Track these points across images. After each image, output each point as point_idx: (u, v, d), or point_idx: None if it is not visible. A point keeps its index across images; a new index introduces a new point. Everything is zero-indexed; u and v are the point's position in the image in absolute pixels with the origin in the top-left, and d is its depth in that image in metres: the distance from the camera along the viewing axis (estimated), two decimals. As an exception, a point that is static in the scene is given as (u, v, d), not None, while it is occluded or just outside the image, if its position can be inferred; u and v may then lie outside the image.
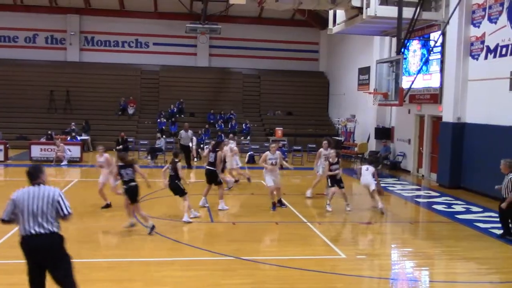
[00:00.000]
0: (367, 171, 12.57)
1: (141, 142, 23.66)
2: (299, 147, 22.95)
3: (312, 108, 30.48)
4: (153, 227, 9.92)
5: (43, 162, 19.63)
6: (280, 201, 12.79)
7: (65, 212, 5.60)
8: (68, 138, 22.80)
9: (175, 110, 28.08)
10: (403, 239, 10.68)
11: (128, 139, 23.04)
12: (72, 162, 20.42)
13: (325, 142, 14.30)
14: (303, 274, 7.92)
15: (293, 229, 10.94)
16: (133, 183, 10.15)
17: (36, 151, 20.61)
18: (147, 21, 30.10)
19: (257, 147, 23.21)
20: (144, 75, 30.02)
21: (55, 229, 5.58)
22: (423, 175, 19.06)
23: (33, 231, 5.44)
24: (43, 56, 29.56)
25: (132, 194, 10.13)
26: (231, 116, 28.14)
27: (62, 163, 19.98)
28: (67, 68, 29.24)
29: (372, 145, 22.79)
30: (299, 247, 9.46)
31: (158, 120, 27.25)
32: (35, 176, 5.64)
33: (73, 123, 24.93)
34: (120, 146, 21.30)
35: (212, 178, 12.36)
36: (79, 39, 30.04)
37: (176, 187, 10.97)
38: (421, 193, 16.16)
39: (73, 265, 5.79)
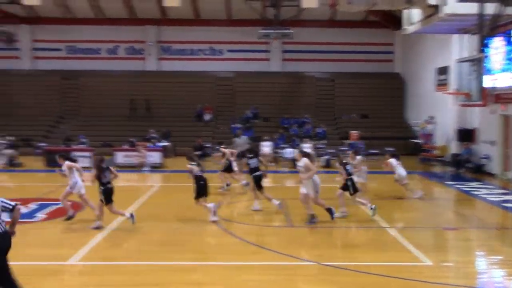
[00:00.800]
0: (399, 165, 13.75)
1: (217, 147, 24.09)
2: (377, 151, 22.54)
3: (388, 110, 29.81)
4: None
5: (127, 167, 20.58)
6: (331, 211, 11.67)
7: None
8: (149, 145, 23.68)
9: (250, 116, 28.46)
10: (490, 246, 10.19)
11: (205, 145, 23.61)
12: (153, 168, 21.19)
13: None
14: (388, 282, 7.75)
15: (373, 234, 10.76)
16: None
17: (120, 157, 21.61)
18: (221, 28, 30.76)
19: (333, 151, 23.02)
20: (219, 82, 30.69)
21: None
22: (510, 179, 18.11)
23: None
24: (123, 66, 30.96)
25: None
26: (305, 120, 28.10)
27: (144, 169, 20.81)
28: (146, 77, 30.46)
29: (454, 148, 21.94)
30: (381, 253, 9.28)
31: (233, 125, 27.72)
32: None
33: (152, 130, 25.90)
34: (199, 152, 21.85)
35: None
36: (157, 49, 31.22)
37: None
38: (510, 197, 15.34)
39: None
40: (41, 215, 12.06)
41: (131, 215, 10.86)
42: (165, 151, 23.49)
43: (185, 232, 10.74)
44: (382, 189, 15.54)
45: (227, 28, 30.73)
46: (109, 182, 10.81)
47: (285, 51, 31.10)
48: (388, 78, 30.85)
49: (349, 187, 11.72)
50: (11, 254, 8.96)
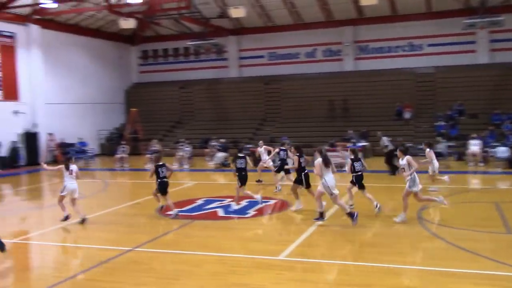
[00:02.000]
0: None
1: (418, 147, 23.11)
2: None
3: None
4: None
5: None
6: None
7: None
8: (348, 145, 23.73)
9: (454, 113, 26.66)
10: None
11: (408, 144, 22.77)
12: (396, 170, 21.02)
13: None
14: None
15: None
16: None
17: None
18: (419, 22, 29.44)
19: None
20: (419, 78, 29.38)
21: None
22: None
23: None
24: (321, 68, 31.64)
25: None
26: (519, 115, 25.26)
27: (344, 169, 20.90)
28: (344, 78, 30.64)
29: None
30: None
31: (436, 123, 26.26)
32: None
33: (350, 131, 25.95)
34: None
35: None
36: (354, 49, 31.20)
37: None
38: None
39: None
40: (252, 211, 12.92)
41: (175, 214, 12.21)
42: (364, 151, 23.30)
43: (390, 234, 10.48)
44: None
45: (426, 22, 29.29)
46: (164, 177, 12.44)
47: (494, 41, 28.39)
48: None
49: None
50: (232, 247, 9.77)
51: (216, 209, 13.33)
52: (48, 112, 27.78)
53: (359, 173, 12.11)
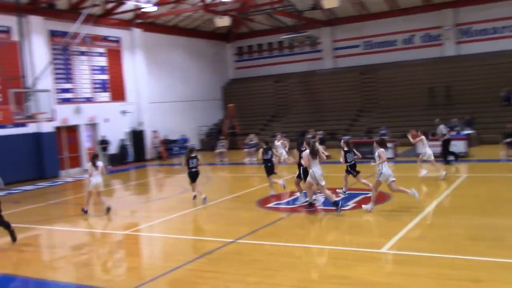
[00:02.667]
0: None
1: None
2: None
3: None
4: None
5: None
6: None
7: None
8: (453, 134, 22.63)
9: None
10: None
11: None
12: (459, 158, 20.17)
13: None
14: None
15: None
16: None
17: (420, 147, 21.16)
18: (529, -1, 27.34)
19: None
20: (529, 60, 27.29)
21: None
22: None
23: None
24: (420, 54, 30.41)
25: None
26: None
27: (448, 159, 19.98)
28: (444, 63, 29.25)
29: None
30: None
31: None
32: None
33: (454, 119, 24.69)
34: (510, 139, 19.86)
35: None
36: (455, 32, 29.62)
37: None
38: None
39: None
40: (351, 203, 12.76)
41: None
42: (469, 140, 22.10)
43: (499, 227, 9.88)
44: None
45: (537, -2, 27.12)
46: (194, 167, 14.15)
47: None
48: None
49: None
50: (332, 239, 9.73)
51: (315, 201, 13.30)
52: (152, 111, 29.27)
53: (352, 162, 13.28)
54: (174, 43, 31.87)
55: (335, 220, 11.41)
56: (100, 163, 13.59)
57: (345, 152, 13.27)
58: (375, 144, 12.06)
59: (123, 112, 27.81)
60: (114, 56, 27.67)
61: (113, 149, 26.99)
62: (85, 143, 26.00)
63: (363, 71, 31.88)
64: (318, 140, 18.34)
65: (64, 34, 23.39)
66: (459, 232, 9.66)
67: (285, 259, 8.62)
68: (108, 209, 13.51)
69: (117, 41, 27.84)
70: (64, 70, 24.80)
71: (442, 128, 20.04)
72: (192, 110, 32.80)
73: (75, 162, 25.39)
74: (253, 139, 25.61)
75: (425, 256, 8.23)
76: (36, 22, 22.86)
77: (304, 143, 12.75)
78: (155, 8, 26.51)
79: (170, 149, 29.84)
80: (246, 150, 25.60)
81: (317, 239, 9.78)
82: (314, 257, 8.61)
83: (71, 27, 21.17)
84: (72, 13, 23.63)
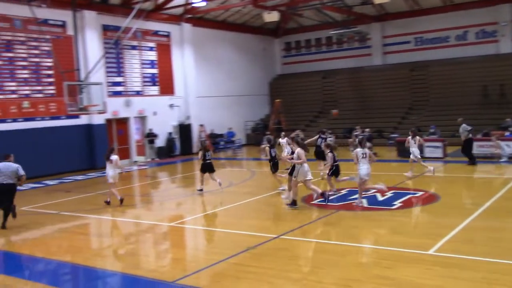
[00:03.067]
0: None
1: None
2: None
3: None
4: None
5: (482, 158, 19.53)
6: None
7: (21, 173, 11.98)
8: (506, 134, 21.86)
9: None
10: None
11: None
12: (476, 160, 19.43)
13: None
14: None
15: None
16: None
17: (474, 147, 20.53)
18: None
19: None
20: None
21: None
22: None
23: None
24: (474, 51, 29.43)
25: None
26: None
27: (501, 160, 19.33)
28: (500, 61, 28.17)
29: None
30: None
31: None
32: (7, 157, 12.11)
33: (508, 119, 23.80)
34: None
35: None
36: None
37: None
38: None
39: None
40: (397, 203, 12.52)
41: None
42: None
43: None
44: None
45: None
46: (209, 159, 15.54)
47: None
48: None
49: None
50: (377, 238, 9.58)
51: (361, 200, 13.13)
52: (199, 105, 29.62)
53: (337, 163, 13.83)
54: (222, 38, 32.08)
55: (381, 219, 11.22)
56: (114, 157, 14.03)
57: (331, 153, 13.82)
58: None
59: (171, 106, 28.26)
60: (164, 50, 28.13)
61: (160, 142, 27.48)
62: (134, 135, 26.60)
63: (413, 68, 31.15)
64: (363, 137, 18.24)
65: (116, 28, 23.99)
66: (511, 236, 9.31)
67: (329, 256, 8.55)
68: (121, 200, 14.16)
69: (167, 36, 28.29)
70: (115, 64, 25.43)
71: (464, 128, 19.41)
72: (238, 105, 32.98)
73: (125, 153, 26.02)
74: (299, 134, 25.48)
75: (475, 259, 7.97)
76: (90, 16, 23.54)
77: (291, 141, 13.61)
78: (204, 3, 26.76)
79: (217, 143, 30.13)
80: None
81: (362, 237, 9.64)
82: (358, 256, 8.50)
83: (123, 22, 21.65)
84: (124, 8, 24.18)
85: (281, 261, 8.41)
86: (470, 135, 19.23)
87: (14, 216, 12.15)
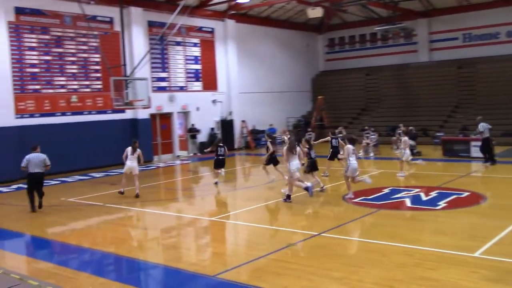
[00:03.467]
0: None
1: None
2: None
3: None
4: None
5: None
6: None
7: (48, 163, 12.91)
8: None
9: None
10: None
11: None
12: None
13: None
14: None
15: None
16: None
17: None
18: None
19: None
20: None
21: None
22: None
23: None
24: (526, 48, 28.42)
25: None
26: None
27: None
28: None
29: None
30: None
31: None
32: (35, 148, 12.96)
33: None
34: None
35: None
36: None
37: None
38: None
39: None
40: (442, 203, 12.23)
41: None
42: None
43: None
44: None
45: None
46: (221, 155, 16.28)
47: None
48: None
49: None
50: (420, 239, 9.40)
51: (404, 199, 12.92)
52: (241, 101, 29.75)
53: (314, 159, 14.24)
54: (266, 34, 32.07)
55: (425, 219, 11.00)
56: (139, 150, 14.83)
57: (308, 149, 14.30)
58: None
59: (214, 101, 28.49)
60: (207, 46, 28.37)
61: (202, 137, 27.76)
62: (177, 130, 26.98)
63: (461, 65, 30.31)
64: (407, 134, 18.66)
65: (161, 24, 24.35)
66: None
67: (370, 256, 8.44)
68: (136, 196, 14.81)
69: (210, 32, 28.51)
70: (160, 60, 25.83)
71: (483, 126, 18.82)
72: (280, 101, 32.92)
73: (168, 148, 26.43)
74: (342, 131, 25.24)
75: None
76: (136, 13, 23.98)
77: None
78: (248, 0, 26.82)
79: (258, 139, 30.18)
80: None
81: (404, 237, 9.46)
82: (400, 256, 8.35)
83: (168, 18, 21.94)
84: (169, 4, 24.50)
85: (321, 258, 8.36)
86: (487, 134, 18.85)
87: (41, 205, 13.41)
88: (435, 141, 24.89)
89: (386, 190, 14.16)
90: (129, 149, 14.75)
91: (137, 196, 14.74)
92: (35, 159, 13.12)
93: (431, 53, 32.12)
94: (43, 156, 13.27)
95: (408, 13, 30.09)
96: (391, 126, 27.47)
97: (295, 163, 12.99)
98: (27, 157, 13.20)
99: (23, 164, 13.19)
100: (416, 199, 12.79)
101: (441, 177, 16.21)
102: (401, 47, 33.07)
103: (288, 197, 13.14)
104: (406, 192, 13.73)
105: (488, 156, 18.84)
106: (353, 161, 12.99)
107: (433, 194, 13.33)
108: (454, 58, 30.70)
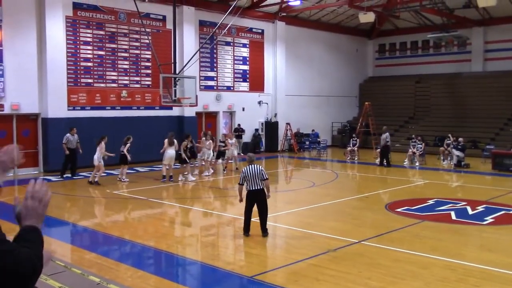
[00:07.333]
0: None
1: None
2: None
3: None
4: None
5: None
6: None
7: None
8: None
9: None
10: None
11: None
12: None
13: None
14: None
15: None
16: None
17: None
18: None
19: None
20: None
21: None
22: None
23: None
24: None
25: None
26: None
27: None
28: None
29: None
30: None
31: None
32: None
33: None
34: None
35: None
36: None
37: None
38: None
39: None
40: (489, 219, 11.83)
41: None
42: None
43: None
44: None
45: None
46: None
47: None
48: None
49: None
50: (464, 254, 9.12)
51: (449, 212, 12.57)
52: (287, 103, 29.70)
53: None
54: (315, 37, 31.91)
55: (470, 234, 10.68)
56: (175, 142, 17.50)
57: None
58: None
59: (260, 103, 28.56)
60: (256, 47, 28.48)
61: (247, 137, 27.87)
62: (222, 129, 27.19)
63: (517, 77, 29.26)
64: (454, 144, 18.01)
65: (212, 24, 24.62)
66: None
67: (411, 267, 8.25)
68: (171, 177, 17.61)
69: (260, 33, 28.61)
70: (209, 59, 26.12)
71: None
72: (326, 105, 32.69)
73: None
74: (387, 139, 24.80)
75: None
76: (188, 12, 24.34)
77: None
78: (299, 2, 26.76)
79: (302, 142, 30.07)
80: (377, 150, 24.90)
81: (447, 251, 9.21)
82: (442, 270, 8.12)
83: (219, 18, 22.16)
84: (221, 4, 24.75)
85: (361, 267, 8.23)
86: None
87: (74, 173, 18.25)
88: (485, 153, 24.11)
89: (430, 202, 13.83)
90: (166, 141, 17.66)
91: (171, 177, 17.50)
92: (73, 139, 18.27)
93: (485, 63, 31.16)
94: (76, 136, 18.42)
95: (463, 21, 29.29)
96: (440, 136, 26.80)
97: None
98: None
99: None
100: (461, 213, 12.43)
101: (489, 192, 15.68)
102: (454, 55, 32.23)
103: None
104: (451, 205, 13.36)
105: None
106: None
107: (480, 208, 12.92)
108: (510, 69, 29.66)
